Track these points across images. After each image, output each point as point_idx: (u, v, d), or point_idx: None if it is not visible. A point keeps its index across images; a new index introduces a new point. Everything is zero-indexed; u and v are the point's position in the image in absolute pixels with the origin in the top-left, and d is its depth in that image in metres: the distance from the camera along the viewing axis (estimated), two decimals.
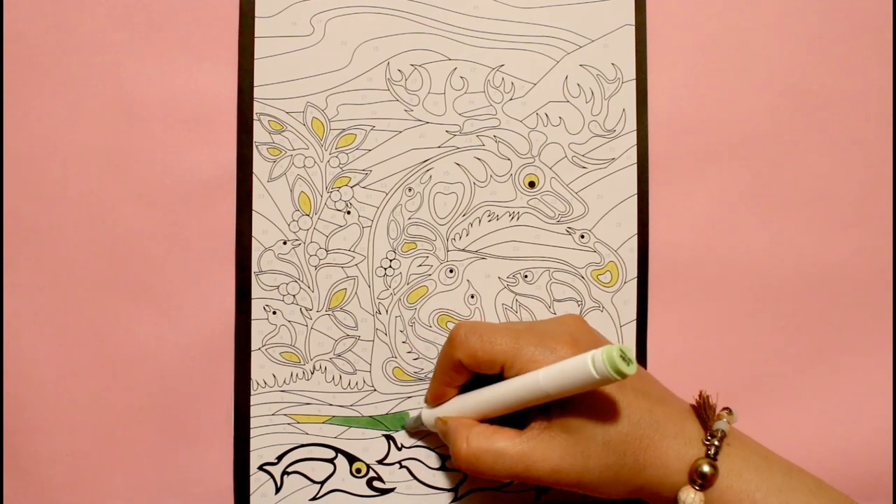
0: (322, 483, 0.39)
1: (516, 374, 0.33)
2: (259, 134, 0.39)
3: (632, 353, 0.30)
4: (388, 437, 0.40)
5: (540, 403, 0.32)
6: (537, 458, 0.32)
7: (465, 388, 0.37)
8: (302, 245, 0.39)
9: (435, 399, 0.37)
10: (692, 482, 0.31)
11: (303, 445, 0.39)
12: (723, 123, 0.40)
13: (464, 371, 0.35)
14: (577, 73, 0.40)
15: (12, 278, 0.39)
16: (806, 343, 0.41)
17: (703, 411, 0.33)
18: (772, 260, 0.41)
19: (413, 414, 0.39)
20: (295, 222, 0.39)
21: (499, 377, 0.34)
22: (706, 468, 0.31)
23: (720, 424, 0.32)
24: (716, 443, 0.32)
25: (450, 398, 0.37)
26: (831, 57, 0.41)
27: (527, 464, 0.32)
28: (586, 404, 0.32)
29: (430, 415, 0.38)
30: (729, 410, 0.34)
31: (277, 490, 0.39)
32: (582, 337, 0.34)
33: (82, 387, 0.39)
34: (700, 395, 0.34)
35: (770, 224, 0.41)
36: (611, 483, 0.32)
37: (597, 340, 0.35)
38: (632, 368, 0.29)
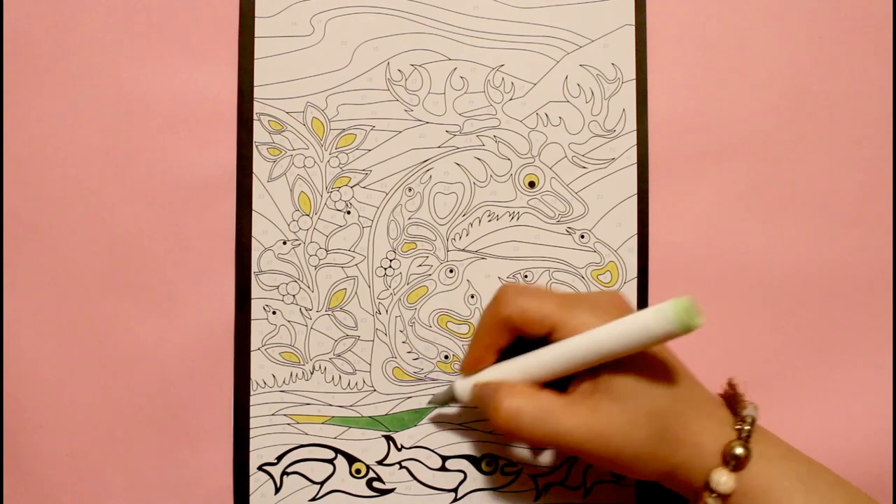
0: (322, 483, 0.39)
1: (565, 337, 0.32)
2: (259, 134, 0.39)
3: (700, 305, 0.29)
4: (388, 438, 0.40)
5: (592, 366, 0.32)
6: (583, 422, 0.31)
7: (502, 359, 0.35)
8: (302, 245, 0.39)
9: (473, 364, 0.35)
10: (725, 463, 0.31)
11: (302, 446, 0.39)
12: (723, 123, 0.40)
13: (507, 332, 0.34)
14: (577, 73, 0.40)
15: (12, 278, 0.39)
16: (806, 343, 0.41)
17: (733, 399, 0.33)
18: (772, 260, 0.41)
19: (444, 387, 0.39)
20: (295, 222, 0.39)
21: (541, 342, 0.33)
22: (740, 450, 0.31)
23: (749, 411, 0.32)
24: (747, 427, 0.32)
25: (487, 365, 0.35)
26: (831, 57, 0.41)
27: (571, 426, 0.31)
28: (633, 373, 0.32)
29: (465, 385, 0.36)
30: (753, 403, 0.34)
31: (277, 490, 0.39)
32: (627, 310, 0.34)
33: (82, 387, 0.39)
34: (729, 383, 0.34)
35: (770, 224, 0.41)
36: (649, 458, 0.32)
37: None
38: (701, 321, 0.28)
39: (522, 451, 0.40)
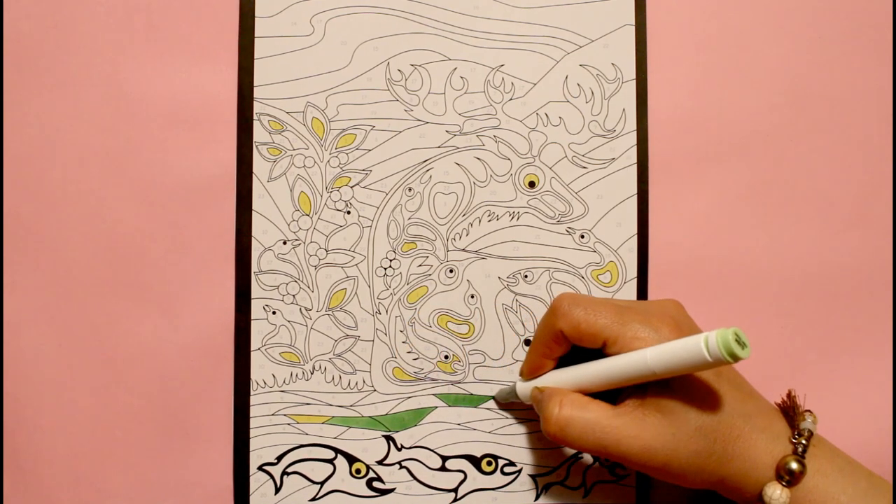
0: (322, 483, 0.39)
1: (619, 351, 0.33)
2: (259, 134, 0.39)
3: (746, 337, 0.29)
4: (388, 438, 0.40)
5: (642, 382, 0.32)
6: (629, 435, 0.32)
7: (561, 364, 0.36)
8: (302, 245, 0.39)
9: (531, 371, 0.37)
10: (779, 478, 0.31)
11: (302, 446, 0.39)
12: (723, 123, 0.40)
13: (564, 343, 0.35)
14: (577, 73, 0.40)
15: (12, 278, 0.39)
16: (806, 343, 0.41)
17: (791, 410, 0.33)
18: (772, 260, 0.41)
19: (507, 387, 0.39)
20: (295, 222, 0.39)
21: (597, 352, 0.34)
22: (794, 465, 0.31)
23: (807, 424, 0.32)
24: (803, 441, 0.32)
25: (546, 371, 0.36)
26: (831, 57, 0.41)
27: (618, 438, 0.32)
28: (683, 388, 0.32)
29: (524, 387, 0.37)
30: (811, 412, 0.34)
31: (277, 490, 0.39)
32: (683, 321, 0.34)
33: (82, 387, 0.39)
34: (788, 395, 0.34)
35: (770, 224, 0.41)
36: (696, 471, 0.32)
37: (696, 327, 0.35)
38: (746, 353, 0.29)
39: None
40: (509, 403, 0.39)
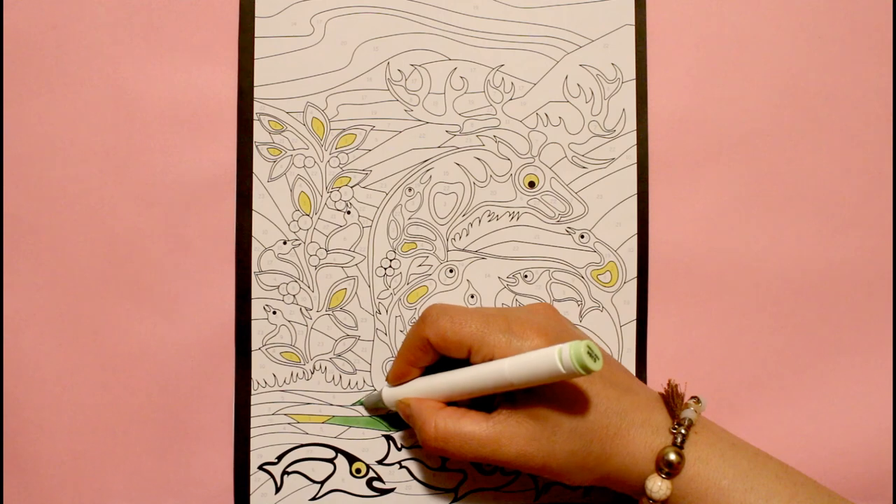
0: (322, 483, 0.39)
1: (482, 359, 0.33)
2: (259, 134, 0.39)
3: (598, 348, 0.30)
4: (388, 438, 0.40)
5: (504, 391, 0.33)
6: (504, 443, 0.32)
7: (429, 371, 0.37)
8: (302, 245, 0.39)
9: (397, 378, 0.37)
10: (659, 470, 0.31)
11: (303, 445, 0.39)
12: (723, 123, 0.41)
13: (430, 351, 0.35)
14: (577, 73, 0.40)
15: (12, 278, 0.39)
16: (806, 343, 0.41)
17: (672, 400, 0.34)
18: (772, 260, 0.41)
19: (373, 392, 0.39)
20: (295, 222, 0.39)
21: (465, 361, 0.34)
22: (672, 456, 0.31)
23: (687, 413, 0.33)
24: (682, 431, 0.32)
25: (411, 378, 0.37)
26: (831, 57, 0.41)
27: (493, 448, 0.32)
28: (554, 392, 0.32)
29: (391, 394, 0.38)
30: (697, 399, 0.34)
31: (277, 490, 0.39)
32: (551, 327, 0.34)
33: (82, 387, 0.39)
34: (668, 384, 0.34)
35: (770, 224, 0.41)
36: (576, 470, 0.33)
37: (566, 331, 0.35)
38: (598, 365, 0.29)
39: None
40: (377, 409, 0.39)
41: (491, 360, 0.33)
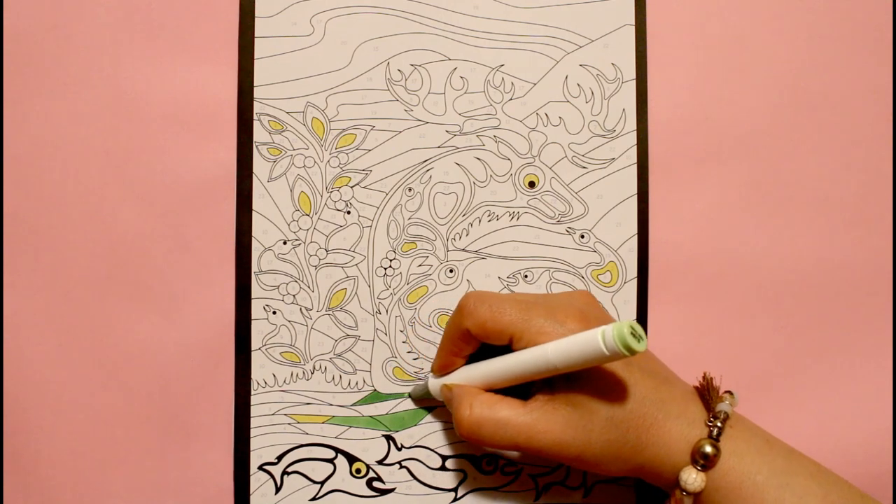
0: (322, 483, 0.39)
1: (524, 346, 0.33)
2: (259, 134, 0.39)
3: (641, 329, 0.29)
4: (388, 438, 0.40)
5: (547, 376, 0.32)
6: (540, 430, 0.32)
7: (473, 359, 0.36)
8: (302, 245, 0.39)
9: (441, 369, 0.37)
10: (694, 462, 0.31)
11: (303, 445, 0.39)
12: (723, 123, 0.41)
13: (471, 341, 0.35)
14: (577, 73, 0.40)
15: (12, 278, 0.39)
16: (806, 343, 0.41)
17: (707, 393, 0.33)
18: (772, 260, 0.41)
19: (420, 383, 0.39)
20: (295, 222, 0.39)
21: (506, 348, 0.34)
22: (708, 448, 0.31)
23: (723, 406, 0.33)
24: (718, 424, 0.32)
25: (456, 368, 0.37)
26: (831, 57, 0.41)
27: (528, 434, 0.32)
28: (592, 379, 0.32)
29: (436, 384, 0.38)
30: (730, 393, 0.34)
31: (277, 490, 0.39)
32: (591, 312, 0.34)
33: (82, 387, 0.39)
34: (703, 377, 0.34)
35: (770, 224, 0.41)
36: (612, 459, 0.32)
37: (605, 317, 0.35)
38: (641, 345, 0.29)
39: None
40: (423, 400, 0.39)
41: (534, 345, 0.32)
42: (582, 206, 0.40)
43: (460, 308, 0.35)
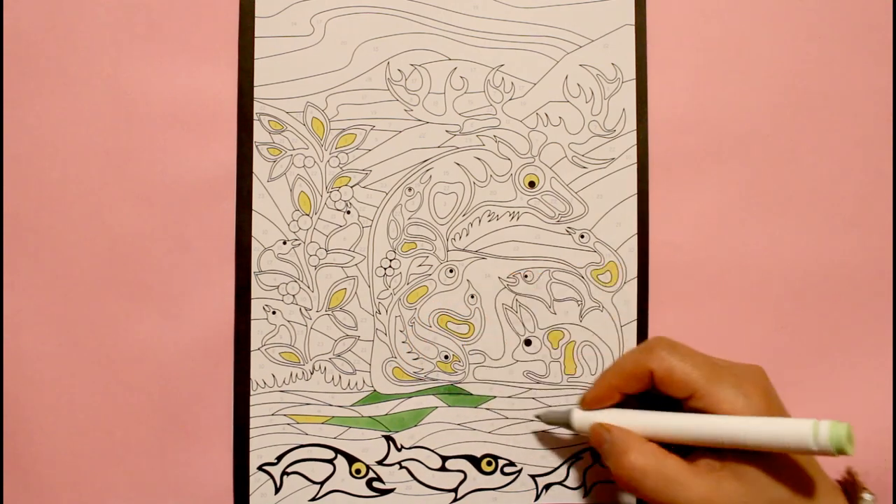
0: (322, 483, 0.39)
1: (703, 407, 0.33)
2: (259, 134, 0.39)
3: (853, 432, 0.29)
4: (388, 438, 0.40)
5: (725, 447, 0.32)
6: (703, 496, 0.32)
7: (624, 405, 0.36)
8: (302, 245, 0.39)
9: (597, 401, 0.36)
10: None
11: (302, 446, 0.39)
12: (723, 123, 0.41)
13: (646, 382, 0.35)
14: (577, 73, 0.40)
15: (12, 278, 0.39)
16: (806, 343, 0.41)
17: (851, 488, 0.34)
18: (772, 260, 0.41)
19: (557, 409, 0.39)
20: (295, 222, 0.39)
21: (674, 402, 0.34)
22: None
23: (866, 502, 0.33)
24: None
25: (608, 405, 0.36)
26: (831, 57, 0.41)
27: (690, 497, 0.32)
28: (763, 458, 0.32)
29: (585, 418, 0.37)
30: (868, 490, 0.34)
31: (277, 490, 0.39)
32: (771, 392, 0.34)
33: (82, 387, 0.39)
34: (848, 473, 0.34)
35: (770, 224, 0.41)
36: None
37: (778, 398, 0.35)
38: (852, 450, 0.29)
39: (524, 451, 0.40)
40: (553, 425, 0.39)
41: (713, 411, 0.32)
42: (582, 205, 0.40)
43: (650, 348, 0.35)
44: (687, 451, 0.33)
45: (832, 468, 0.34)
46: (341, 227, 0.40)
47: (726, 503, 0.31)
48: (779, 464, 0.32)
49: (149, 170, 0.39)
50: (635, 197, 0.40)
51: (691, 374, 0.33)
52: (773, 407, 0.32)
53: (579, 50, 0.40)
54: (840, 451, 0.29)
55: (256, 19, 0.39)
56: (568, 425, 0.38)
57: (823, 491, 0.33)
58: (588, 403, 0.37)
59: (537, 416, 0.39)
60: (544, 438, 0.40)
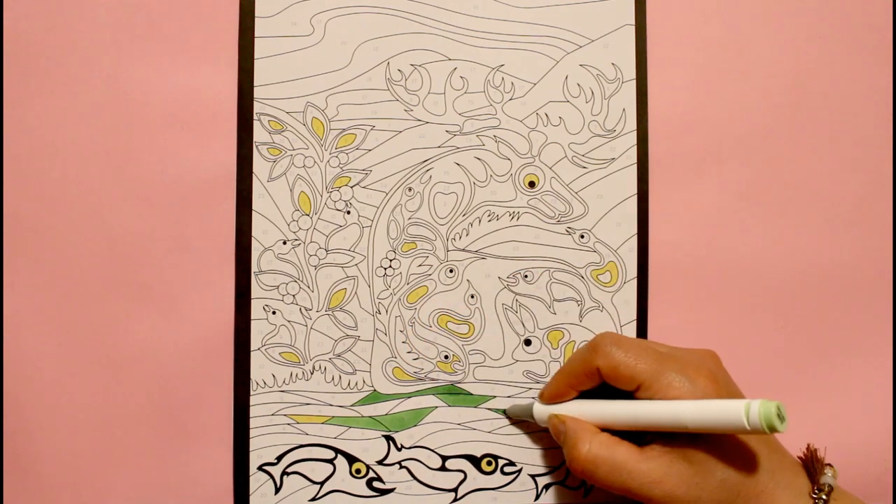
0: (322, 483, 0.39)
1: (651, 396, 0.33)
2: (259, 134, 0.39)
3: (785, 410, 0.30)
4: (388, 438, 0.40)
5: (670, 431, 0.32)
6: (654, 479, 0.32)
7: (584, 395, 0.37)
8: (302, 245, 0.39)
9: (553, 397, 0.37)
10: None
11: (302, 446, 0.39)
12: (723, 123, 0.41)
13: (596, 379, 0.35)
14: (577, 73, 0.40)
15: (12, 278, 0.39)
16: (806, 343, 0.41)
17: (811, 464, 0.34)
18: (772, 260, 0.41)
19: (520, 402, 0.39)
20: (295, 222, 0.39)
21: (626, 393, 0.34)
22: None
23: (827, 479, 0.33)
24: (823, 496, 0.32)
25: (567, 399, 0.37)
26: (831, 57, 0.41)
27: (642, 482, 0.32)
28: (710, 439, 0.32)
29: (544, 410, 0.37)
30: (830, 465, 0.34)
31: (277, 490, 0.39)
32: (720, 375, 0.34)
33: (82, 387, 0.39)
34: (808, 448, 0.34)
35: (770, 224, 0.41)
36: None
37: (731, 382, 0.35)
38: (784, 427, 0.29)
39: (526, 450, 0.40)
40: (519, 419, 0.40)
41: (661, 398, 0.33)
42: (582, 205, 0.40)
43: (594, 347, 0.35)
44: (643, 438, 0.34)
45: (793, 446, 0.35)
46: (341, 227, 0.40)
47: (676, 485, 0.32)
48: (729, 445, 0.32)
49: (149, 170, 0.39)
50: (635, 197, 0.40)
51: (636, 367, 0.33)
52: (721, 389, 0.33)
53: (579, 50, 0.40)
54: (772, 429, 0.29)
55: (256, 19, 0.39)
56: (531, 417, 0.38)
57: (780, 468, 0.33)
58: (545, 399, 0.38)
59: (504, 412, 0.40)
60: (544, 438, 0.40)
